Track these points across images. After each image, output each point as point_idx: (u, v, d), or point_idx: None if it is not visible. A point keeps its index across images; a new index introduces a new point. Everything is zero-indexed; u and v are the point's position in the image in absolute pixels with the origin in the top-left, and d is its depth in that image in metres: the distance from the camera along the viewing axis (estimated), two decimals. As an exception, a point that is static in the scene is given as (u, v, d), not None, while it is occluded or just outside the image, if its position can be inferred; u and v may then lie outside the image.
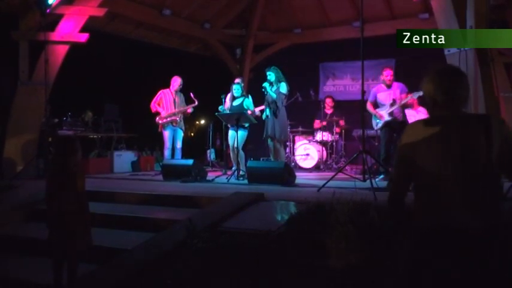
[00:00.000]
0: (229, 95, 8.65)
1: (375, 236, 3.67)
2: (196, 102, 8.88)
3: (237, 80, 8.95)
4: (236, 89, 8.50)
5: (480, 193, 2.07)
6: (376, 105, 7.67)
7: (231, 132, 8.47)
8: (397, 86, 7.46)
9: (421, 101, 8.59)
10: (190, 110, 9.00)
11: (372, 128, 8.40)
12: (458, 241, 2.03)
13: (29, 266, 4.54)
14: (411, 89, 7.60)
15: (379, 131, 8.01)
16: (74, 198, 3.63)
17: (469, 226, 2.03)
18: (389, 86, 7.55)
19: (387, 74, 7.56)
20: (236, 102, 8.46)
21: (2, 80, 10.30)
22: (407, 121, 7.56)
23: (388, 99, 7.50)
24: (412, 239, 2.17)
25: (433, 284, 2.07)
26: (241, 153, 8.25)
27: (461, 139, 2.09)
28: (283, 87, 8.07)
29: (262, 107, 8.38)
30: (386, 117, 7.46)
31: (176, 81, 8.96)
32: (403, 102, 7.37)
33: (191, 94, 8.85)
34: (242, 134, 8.26)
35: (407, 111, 8.09)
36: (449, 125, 2.14)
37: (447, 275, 2.04)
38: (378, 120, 7.61)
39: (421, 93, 7.30)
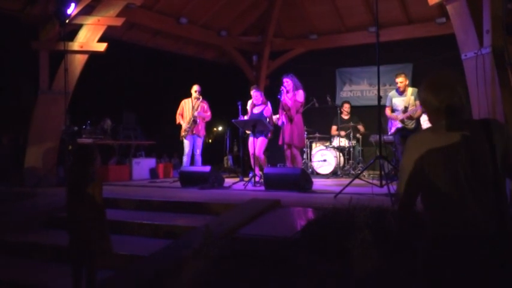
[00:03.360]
0: (250, 102, 8.69)
1: (392, 241, 3.65)
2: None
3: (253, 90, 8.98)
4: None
5: (491, 198, 2.06)
6: (393, 110, 7.68)
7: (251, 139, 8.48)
8: (412, 92, 7.43)
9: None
10: (198, 113, 9.01)
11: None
12: (474, 247, 2.03)
13: (49, 272, 4.60)
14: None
15: (394, 137, 8.04)
16: (91, 206, 3.68)
17: (484, 232, 2.03)
18: (402, 92, 7.54)
19: (398, 81, 7.59)
20: (256, 110, 8.51)
21: (23, 90, 10.50)
22: (420, 128, 7.53)
23: (401, 105, 7.50)
24: (427, 246, 2.16)
25: None
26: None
27: (466, 146, 2.08)
28: (300, 95, 8.10)
29: (278, 116, 8.43)
30: (398, 124, 7.48)
31: (193, 89, 9.05)
32: (410, 113, 7.34)
33: None
34: (263, 139, 8.32)
35: (423, 117, 8.06)
36: (453, 133, 2.12)
37: (464, 282, 2.04)
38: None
39: None
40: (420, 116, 7.46)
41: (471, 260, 2.03)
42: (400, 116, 7.47)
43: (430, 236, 2.15)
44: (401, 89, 7.55)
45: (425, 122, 8.21)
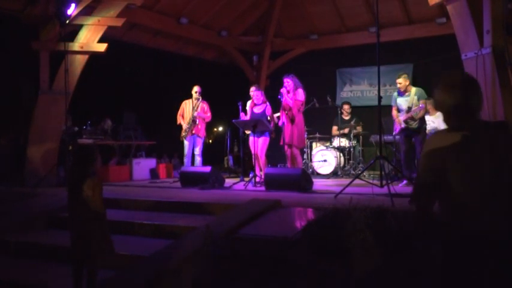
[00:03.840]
0: (249, 103, 8.68)
1: (393, 242, 3.65)
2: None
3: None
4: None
5: (508, 199, 2.04)
6: (398, 109, 7.68)
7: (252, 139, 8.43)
8: (416, 92, 7.43)
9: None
10: (198, 114, 9.02)
11: (389, 133, 8.39)
12: (490, 247, 2.01)
13: (49, 272, 4.60)
14: (430, 94, 7.57)
15: (397, 137, 8.06)
16: (92, 206, 3.68)
17: (503, 234, 2.01)
18: (404, 93, 7.54)
19: (397, 82, 7.61)
20: (257, 110, 8.49)
21: (23, 90, 10.49)
22: (424, 127, 7.54)
23: (404, 105, 7.50)
24: (443, 245, 2.14)
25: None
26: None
27: (483, 148, 2.06)
28: (300, 94, 8.11)
29: (278, 114, 8.43)
30: (402, 124, 7.48)
31: (193, 90, 9.06)
32: (413, 113, 7.34)
33: None
34: (265, 139, 8.31)
35: (426, 117, 8.05)
36: (471, 134, 2.10)
37: (481, 281, 2.03)
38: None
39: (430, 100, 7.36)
40: (423, 116, 7.44)
41: (488, 262, 2.01)
42: (403, 117, 7.47)
43: (446, 237, 2.13)
44: (401, 90, 7.56)
45: (429, 122, 8.19)
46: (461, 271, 2.05)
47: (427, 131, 8.10)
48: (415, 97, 7.37)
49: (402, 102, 7.52)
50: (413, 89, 7.49)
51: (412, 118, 7.40)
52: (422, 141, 7.38)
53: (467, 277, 2.05)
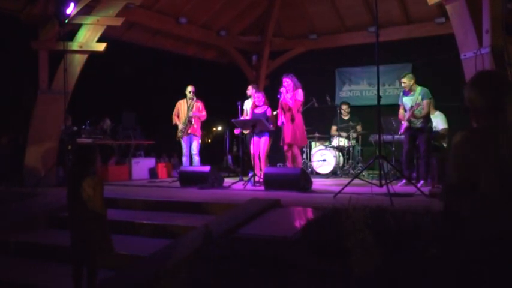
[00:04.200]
0: (249, 103, 8.68)
1: (392, 241, 3.66)
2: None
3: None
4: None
5: None
6: (405, 108, 7.68)
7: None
8: (420, 91, 7.41)
9: (437, 105, 8.52)
10: (193, 113, 9.04)
11: (388, 133, 8.39)
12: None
13: (49, 272, 4.60)
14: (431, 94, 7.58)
15: (395, 137, 8.05)
16: (92, 206, 3.69)
17: None
18: (408, 92, 7.53)
19: (402, 82, 7.61)
20: (258, 110, 8.50)
21: (23, 90, 10.49)
22: (430, 126, 7.50)
23: (409, 104, 7.48)
24: (465, 247, 2.13)
25: None
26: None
27: (511, 148, 2.03)
28: (299, 94, 8.12)
29: (275, 113, 8.44)
30: (406, 123, 7.48)
31: (187, 90, 9.08)
32: (414, 110, 7.32)
33: None
34: (266, 139, 8.32)
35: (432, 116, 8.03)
36: (501, 134, 2.07)
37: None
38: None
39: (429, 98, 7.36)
40: (426, 115, 7.39)
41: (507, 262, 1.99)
42: (406, 115, 7.47)
43: (473, 236, 2.11)
44: (406, 89, 7.56)
45: (434, 122, 8.15)
46: (486, 270, 2.03)
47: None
48: (420, 96, 7.35)
49: (407, 101, 7.52)
50: (419, 88, 7.47)
51: (414, 117, 7.38)
52: (427, 141, 7.36)
53: (491, 275, 2.02)
